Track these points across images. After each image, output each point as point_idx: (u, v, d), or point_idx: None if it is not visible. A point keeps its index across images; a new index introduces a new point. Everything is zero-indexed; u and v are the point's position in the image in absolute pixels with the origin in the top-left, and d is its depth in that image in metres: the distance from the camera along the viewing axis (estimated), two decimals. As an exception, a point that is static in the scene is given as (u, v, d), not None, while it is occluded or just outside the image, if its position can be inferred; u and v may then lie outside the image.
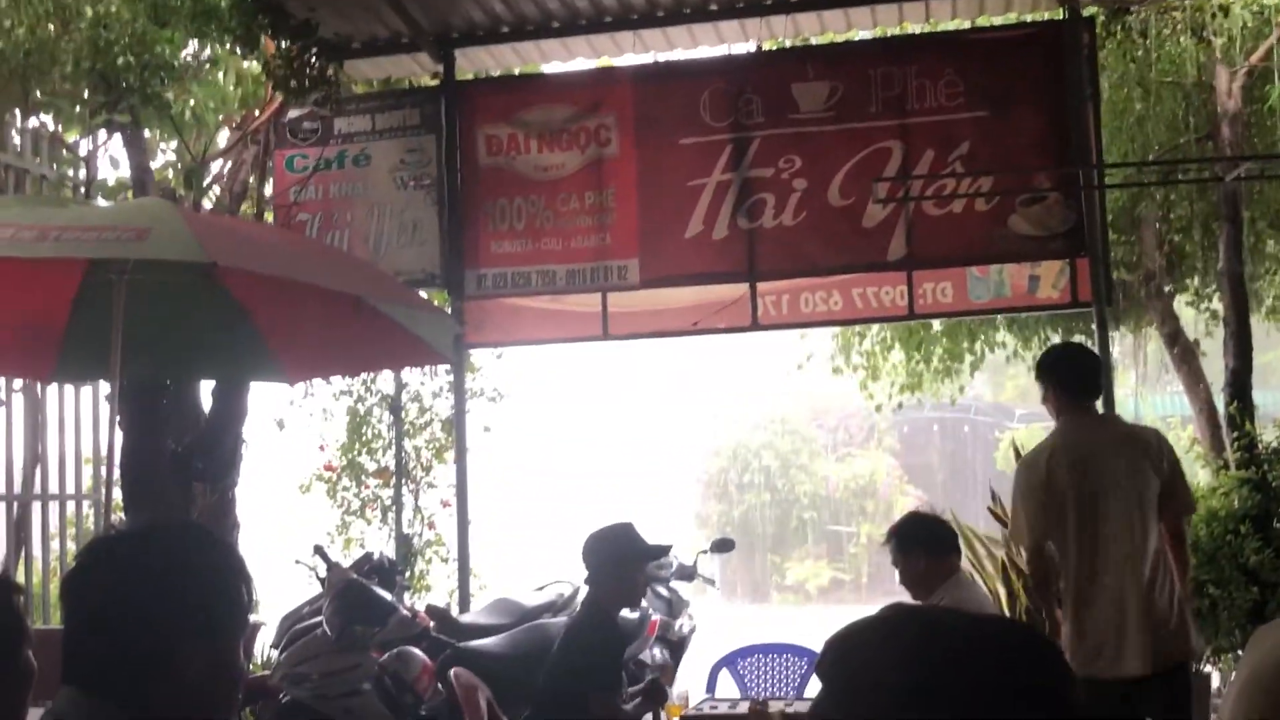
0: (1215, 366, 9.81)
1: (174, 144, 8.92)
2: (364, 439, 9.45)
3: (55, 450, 8.83)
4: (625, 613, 5.91)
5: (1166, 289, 10.44)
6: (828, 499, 26.44)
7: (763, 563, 26.01)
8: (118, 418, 6.68)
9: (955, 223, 7.74)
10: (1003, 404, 26.76)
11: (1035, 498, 5.01)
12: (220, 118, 8.89)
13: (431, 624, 7.00)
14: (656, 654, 7.99)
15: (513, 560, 16.76)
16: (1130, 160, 9.56)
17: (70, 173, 8.97)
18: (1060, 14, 7.88)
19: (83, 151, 8.93)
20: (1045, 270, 7.74)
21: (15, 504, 8.58)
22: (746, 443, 26.76)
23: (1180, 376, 10.59)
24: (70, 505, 9.04)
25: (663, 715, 5.63)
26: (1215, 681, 7.93)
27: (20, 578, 8.09)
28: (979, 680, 1.27)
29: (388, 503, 9.27)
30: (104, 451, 7.69)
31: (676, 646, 8.33)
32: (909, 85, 7.86)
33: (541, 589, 8.15)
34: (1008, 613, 7.75)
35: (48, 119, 8.80)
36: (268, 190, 8.66)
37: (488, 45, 8.41)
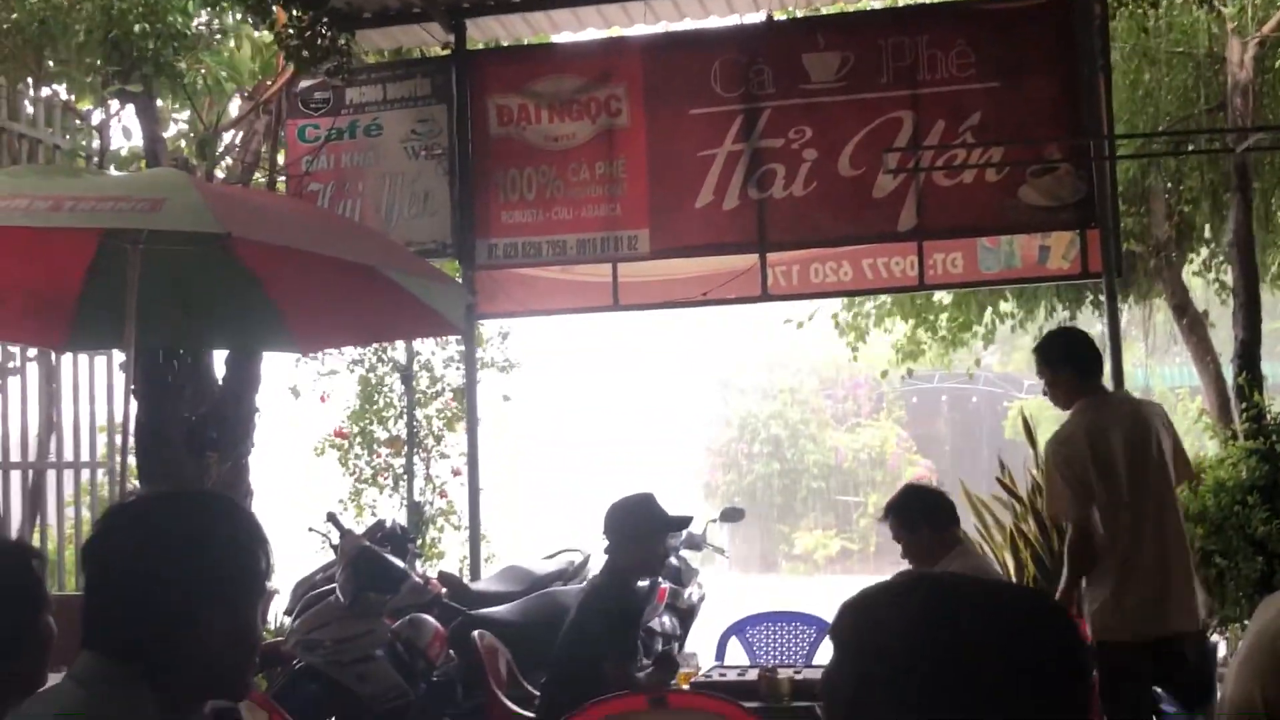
0: (1224, 337, 9.82)
1: (186, 114, 8.94)
2: (375, 407, 9.50)
3: (70, 418, 8.89)
4: (637, 581, 5.94)
5: (1175, 259, 10.43)
6: (836, 469, 26.45)
7: (771, 532, 26.04)
8: (132, 387, 6.73)
9: (966, 193, 7.75)
10: (1011, 374, 26.73)
11: (1076, 472, 5.09)
12: (233, 88, 8.91)
13: (443, 591, 7.06)
14: (666, 622, 8.04)
15: (523, 528, 16.87)
16: (1141, 131, 9.54)
17: (83, 142, 8.98)
18: (1072, -16, 7.85)
19: (95, 121, 8.94)
20: (1055, 241, 7.74)
21: (30, 471, 8.65)
22: (755, 413, 26.75)
23: (1189, 347, 10.60)
24: (85, 473, 9.09)
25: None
26: (1222, 650, 7.96)
27: (35, 544, 8.15)
28: (991, 642, 1.30)
29: (400, 471, 9.33)
30: (118, 420, 7.74)
31: (686, 615, 8.39)
32: (920, 55, 7.86)
33: (551, 557, 8.21)
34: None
35: (61, 88, 8.82)
36: (280, 160, 8.68)
37: (498, 15, 8.42)
